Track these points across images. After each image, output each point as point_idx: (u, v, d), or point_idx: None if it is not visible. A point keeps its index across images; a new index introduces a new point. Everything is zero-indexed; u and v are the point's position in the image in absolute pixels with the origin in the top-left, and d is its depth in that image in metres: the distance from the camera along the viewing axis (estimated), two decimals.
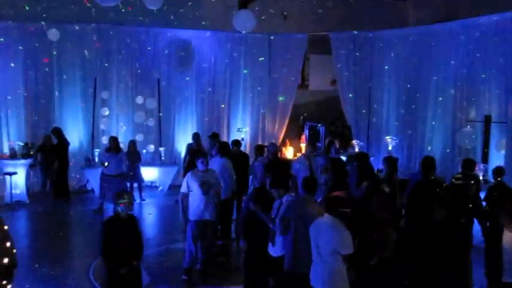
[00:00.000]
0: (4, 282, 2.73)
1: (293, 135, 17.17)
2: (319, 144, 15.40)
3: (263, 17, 15.15)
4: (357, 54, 16.20)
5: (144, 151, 15.08)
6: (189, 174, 8.48)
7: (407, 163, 14.94)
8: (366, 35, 16.15)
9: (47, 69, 14.73)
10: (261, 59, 16.61)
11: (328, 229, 5.55)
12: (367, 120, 16.38)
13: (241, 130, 16.21)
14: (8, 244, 2.86)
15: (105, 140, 14.69)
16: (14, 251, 3.09)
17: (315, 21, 16.57)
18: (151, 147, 15.57)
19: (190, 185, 8.27)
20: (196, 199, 8.24)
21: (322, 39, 16.43)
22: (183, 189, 8.40)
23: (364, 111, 16.35)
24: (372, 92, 16.32)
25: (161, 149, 15.52)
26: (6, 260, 2.62)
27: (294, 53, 16.66)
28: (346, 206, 5.65)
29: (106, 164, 12.53)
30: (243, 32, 12.74)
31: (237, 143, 11.92)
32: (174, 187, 14.32)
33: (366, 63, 16.29)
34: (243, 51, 16.53)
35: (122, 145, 14.83)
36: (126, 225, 6.48)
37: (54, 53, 14.69)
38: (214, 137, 12.99)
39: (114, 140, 12.97)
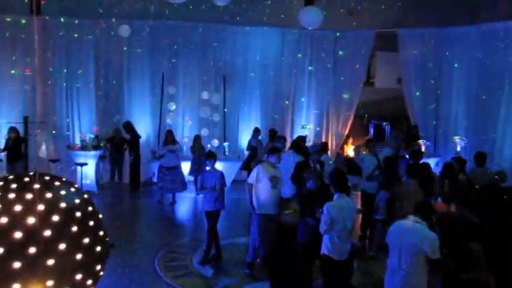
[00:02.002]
0: (98, 267, 2.86)
1: (357, 133, 16.94)
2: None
3: (329, 14, 15.03)
4: (425, 51, 15.81)
5: (209, 146, 15.30)
6: (259, 166, 8.39)
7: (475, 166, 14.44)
8: (435, 31, 15.74)
9: (117, 64, 15.22)
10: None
11: (416, 232, 5.43)
12: (434, 120, 15.97)
13: (305, 127, 16.16)
14: (101, 233, 2.98)
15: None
16: (107, 239, 3.21)
17: (382, 18, 16.28)
18: (216, 142, 15.79)
19: (260, 177, 8.21)
20: (264, 192, 8.18)
21: (389, 36, 16.13)
22: (251, 179, 8.32)
23: (431, 110, 15.94)
24: (440, 90, 15.89)
25: (225, 144, 15.72)
26: (99, 248, 2.76)
27: (360, 50, 16.46)
28: (434, 212, 5.57)
29: (163, 153, 12.93)
30: (309, 28, 12.67)
31: (303, 140, 11.91)
32: (237, 182, 14.44)
33: (434, 61, 15.88)
34: (309, 47, 16.45)
35: (186, 139, 15.23)
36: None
37: (124, 48, 15.16)
38: (274, 134, 13.11)
39: (170, 134, 13.32)
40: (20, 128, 13.57)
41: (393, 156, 10.07)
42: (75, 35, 14.83)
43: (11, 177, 2.90)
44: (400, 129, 16.36)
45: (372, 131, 16.78)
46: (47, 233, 2.63)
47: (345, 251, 6.37)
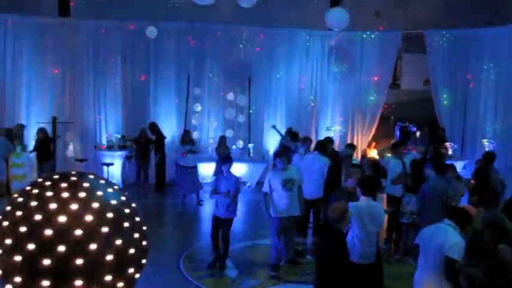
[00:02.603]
0: (131, 271, 2.90)
1: (383, 135, 16.80)
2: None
3: (356, 15, 14.94)
4: (453, 53, 15.61)
5: (234, 147, 15.34)
6: (270, 174, 8.55)
7: (503, 169, 14.22)
8: (463, 33, 15.52)
9: (143, 65, 15.38)
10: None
11: (446, 235, 5.39)
12: (462, 122, 15.75)
13: (330, 129, 16.09)
14: (137, 235, 3.02)
15: (196, 135, 15.17)
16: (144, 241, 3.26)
17: (408, 19, 16.13)
18: (241, 143, 15.84)
19: (272, 184, 8.31)
20: (280, 197, 8.25)
21: (416, 37, 15.97)
22: (265, 189, 8.45)
23: (459, 112, 15.73)
24: (468, 92, 15.67)
25: (250, 145, 15.75)
26: (132, 250, 2.80)
27: (386, 52, 16.29)
28: (470, 222, 5.53)
29: (183, 152, 13.03)
30: (336, 29, 12.63)
31: (330, 141, 11.87)
32: (262, 184, 14.42)
33: (462, 63, 15.65)
34: (335, 49, 16.38)
35: (211, 140, 15.32)
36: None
37: (151, 49, 15.32)
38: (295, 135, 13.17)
39: (187, 134, 13.61)
40: (49, 128, 13.80)
41: (420, 160, 9.98)
42: (103, 36, 15.02)
43: (56, 176, 2.96)
44: (428, 132, 16.14)
45: (397, 133, 16.60)
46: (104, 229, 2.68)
47: (368, 255, 6.31)
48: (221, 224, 8.56)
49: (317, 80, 16.49)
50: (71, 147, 14.79)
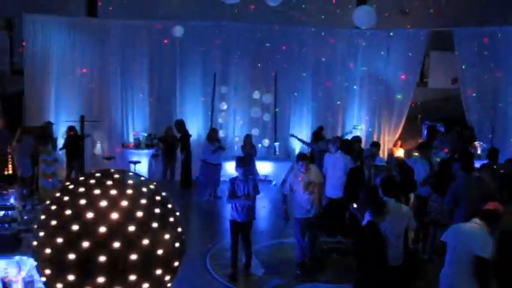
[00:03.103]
0: (176, 264, 2.95)
1: (410, 134, 16.63)
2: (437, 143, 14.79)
3: (382, 13, 14.82)
4: (482, 51, 15.37)
5: (259, 145, 15.36)
6: (291, 176, 8.60)
7: None
8: (492, 30, 15.29)
9: (170, 64, 15.49)
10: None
11: (474, 234, 5.41)
12: (491, 121, 15.51)
13: (356, 127, 16.00)
14: (180, 229, 3.07)
15: (222, 133, 15.23)
16: (183, 237, 3.30)
17: (436, 16, 15.93)
18: (266, 142, 15.85)
19: (294, 186, 8.35)
20: (301, 199, 8.30)
21: (444, 35, 15.76)
22: (286, 190, 8.54)
23: (488, 111, 15.51)
24: (497, 91, 15.43)
25: (276, 144, 15.75)
26: (177, 244, 2.85)
27: (413, 50, 16.11)
28: (498, 222, 5.51)
29: (213, 149, 13.14)
30: (363, 28, 12.56)
31: (357, 140, 11.82)
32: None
33: (492, 61, 15.41)
34: (361, 47, 16.27)
35: (237, 139, 15.37)
36: None
37: (177, 48, 15.40)
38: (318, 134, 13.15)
39: (214, 131, 13.71)
40: (77, 127, 13.99)
41: (449, 159, 9.86)
42: (131, 36, 15.17)
43: (98, 174, 3.01)
44: (457, 131, 15.91)
45: (425, 132, 16.40)
46: (131, 228, 2.73)
47: (394, 256, 6.24)
48: (241, 228, 8.23)
49: (343, 79, 16.38)
50: (98, 145, 14.97)
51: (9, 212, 7.42)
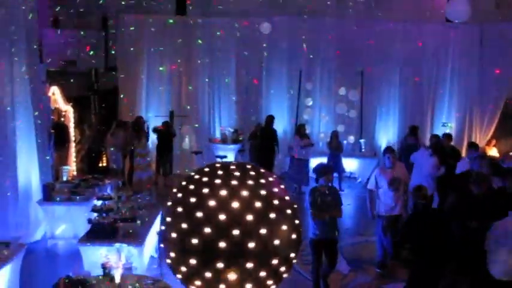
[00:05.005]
0: (292, 255, 3.04)
1: (504, 133, 15.86)
2: None
3: (474, 6, 14.22)
4: None
5: (345, 142, 15.23)
6: (377, 171, 8.45)
7: None
8: None
9: (256, 60, 15.66)
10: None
11: None
12: None
13: (446, 125, 15.47)
14: (297, 221, 3.16)
15: (307, 129, 15.18)
16: (300, 229, 3.40)
17: None
18: (352, 139, 15.70)
19: (379, 182, 8.22)
20: (386, 196, 8.17)
21: None
22: (371, 185, 8.39)
23: None
24: None
25: (361, 140, 15.56)
26: (294, 236, 2.94)
27: (508, 43, 15.33)
28: None
29: (305, 145, 13.23)
30: (456, 21, 12.12)
31: (450, 138, 11.44)
32: None
33: None
34: (452, 41, 15.71)
35: (322, 135, 15.33)
36: None
37: (264, 45, 15.53)
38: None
39: (303, 127, 13.75)
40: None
41: None
42: (218, 33, 15.46)
43: (220, 165, 3.13)
44: None
45: None
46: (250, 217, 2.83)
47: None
48: (327, 247, 7.20)
49: (433, 74, 15.90)
50: (186, 139, 15.41)
51: (106, 202, 7.80)
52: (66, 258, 8.78)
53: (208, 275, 2.84)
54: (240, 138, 15.21)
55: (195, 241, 2.80)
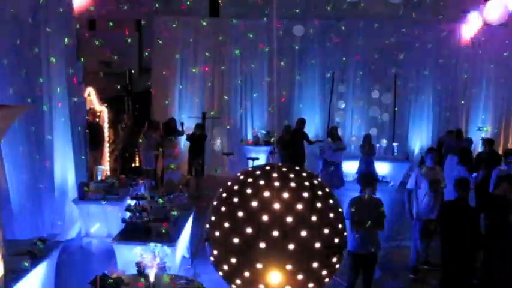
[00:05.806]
0: (334, 260, 3.05)
1: None
2: None
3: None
4: None
5: (378, 145, 15.09)
6: (417, 170, 8.35)
7: None
8: None
9: (289, 62, 15.63)
10: None
11: None
12: None
13: (481, 129, 15.20)
14: (340, 226, 3.17)
15: (339, 132, 15.11)
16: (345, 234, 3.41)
17: None
18: (384, 142, 15.55)
19: (419, 182, 8.09)
20: (424, 197, 8.05)
21: None
22: (410, 185, 8.26)
23: None
24: None
25: (394, 144, 15.40)
26: (337, 240, 2.94)
27: None
28: None
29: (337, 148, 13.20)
30: (494, 24, 11.89)
31: (490, 142, 11.21)
32: (406, 184, 14.05)
33: None
34: (489, 43, 15.40)
35: (354, 138, 15.23)
36: None
37: (296, 47, 15.50)
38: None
39: (335, 129, 13.73)
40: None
41: None
42: (250, 35, 15.50)
43: (264, 167, 3.16)
44: None
45: None
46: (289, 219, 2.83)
47: None
48: (364, 263, 6.78)
49: (468, 76, 15.65)
50: (218, 141, 15.49)
51: (140, 202, 7.89)
52: (100, 256, 8.93)
53: (247, 274, 2.85)
54: (272, 140, 15.20)
55: (235, 240, 2.82)
